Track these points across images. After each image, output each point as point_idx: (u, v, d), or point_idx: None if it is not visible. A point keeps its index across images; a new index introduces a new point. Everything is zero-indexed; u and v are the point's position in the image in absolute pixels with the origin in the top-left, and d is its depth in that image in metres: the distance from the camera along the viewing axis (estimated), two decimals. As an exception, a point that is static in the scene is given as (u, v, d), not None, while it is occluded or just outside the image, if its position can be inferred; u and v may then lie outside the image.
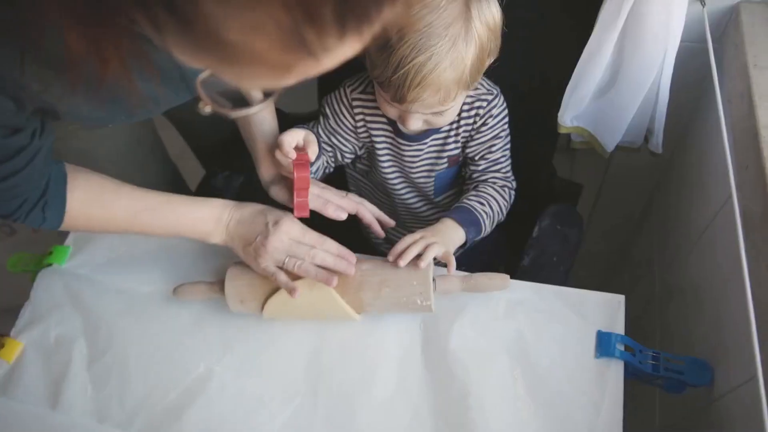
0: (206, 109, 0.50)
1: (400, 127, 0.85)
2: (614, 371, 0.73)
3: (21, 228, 1.39)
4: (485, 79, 0.86)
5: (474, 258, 1.00)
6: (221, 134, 1.09)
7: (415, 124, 0.79)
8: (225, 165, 1.08)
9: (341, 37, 0.31)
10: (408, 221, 1.02)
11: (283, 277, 0.74)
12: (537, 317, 0.78)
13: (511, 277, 0.79)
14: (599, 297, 0.79)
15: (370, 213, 0.84)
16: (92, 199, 0.71)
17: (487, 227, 0.85)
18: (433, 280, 0.75)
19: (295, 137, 0.77)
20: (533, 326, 0.77)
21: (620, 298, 0.78)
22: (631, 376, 0.75)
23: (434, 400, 0.73)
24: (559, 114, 0.93)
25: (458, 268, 0.77)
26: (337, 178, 1.00)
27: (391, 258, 0.74)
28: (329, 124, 0.89)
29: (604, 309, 0.77)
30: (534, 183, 1.02)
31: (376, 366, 0.77)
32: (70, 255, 0.89)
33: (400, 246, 0.75)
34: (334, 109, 0.89)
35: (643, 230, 1.24)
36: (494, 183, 0.89)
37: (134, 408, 0.76)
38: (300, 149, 0.77)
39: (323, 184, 0.84)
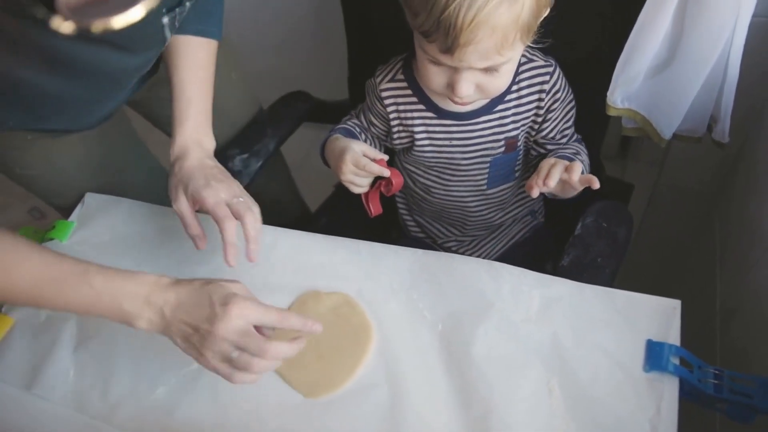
0: (63, 26, 0.38)
1: (443, 106, 0.80)
2: (667, 389, 0.63)
3: (50, 211, 1.37)
4: (537, 51, 0.80)
5: (522, 255, 0.96)
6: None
7: (466, 87, 0.71)
8: (243, 147, 1.01)
9: None
10: (454, 214, 0.94)
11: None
12: (577, 320, 0.68)
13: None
14: (650, 301, 0.69)
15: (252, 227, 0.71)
16: None
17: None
18: None
19: (363, 151, 0.75)
20: (572, 330, 0.68)
21: (675, 304, 0.69)
22: (687, 396, 0.64)
23: (448, 417, 0.64)
24: (609, 93, 0.82)
25: (505, 261, 0.74)
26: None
27: (536, 188, 0.71)
28: (366, 117, 0.88)
29: (656, 315, 0.68)
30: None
31: (384, 373, 0.68)
32: (73, 231, 0.86)
33: (542, 171, 0.71)
34: (368, 103, 0.87)
35: (704, 236, 1.12)
36: (570, 143, 0.86)
37: (117, 401, 0.71)
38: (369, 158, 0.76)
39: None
